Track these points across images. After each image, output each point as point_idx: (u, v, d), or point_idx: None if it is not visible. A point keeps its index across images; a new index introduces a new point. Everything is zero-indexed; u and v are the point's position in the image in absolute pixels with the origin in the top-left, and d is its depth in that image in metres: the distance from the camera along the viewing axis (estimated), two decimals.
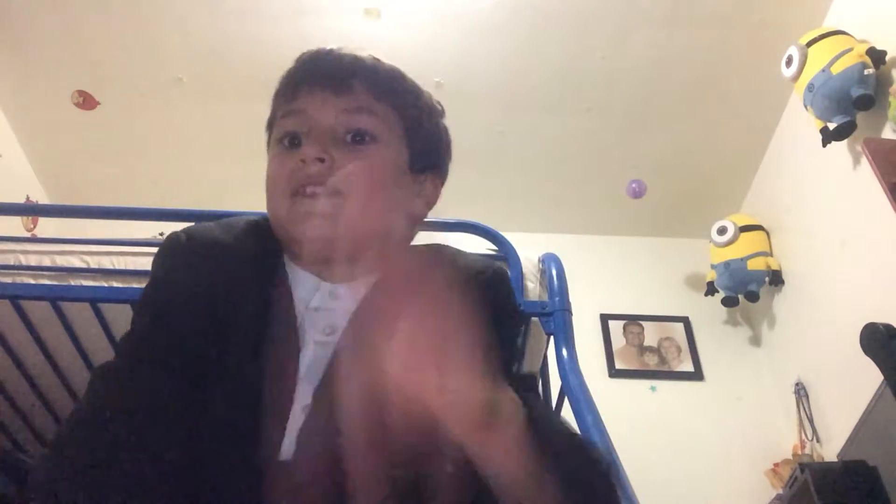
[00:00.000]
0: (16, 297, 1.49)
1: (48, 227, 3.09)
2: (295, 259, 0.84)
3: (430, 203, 0.91)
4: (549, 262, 1.54)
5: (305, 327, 0.78)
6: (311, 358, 0.77)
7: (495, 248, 1.57)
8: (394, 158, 0.85)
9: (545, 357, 1.51)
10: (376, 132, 0.84)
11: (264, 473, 0.70)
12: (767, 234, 3.12)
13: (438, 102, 0.94)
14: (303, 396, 0.74)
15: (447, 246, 0.95)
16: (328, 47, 0.87)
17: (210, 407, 0.72)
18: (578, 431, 0.78)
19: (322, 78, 0.84)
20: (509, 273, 1.46)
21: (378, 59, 0.88)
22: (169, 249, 0.84)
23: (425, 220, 0.97)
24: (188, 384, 0.73)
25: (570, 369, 1.31)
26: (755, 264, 2.99)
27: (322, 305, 0.81)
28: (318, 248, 0.80)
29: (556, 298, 1.45)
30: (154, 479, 0.67)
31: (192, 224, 0.87)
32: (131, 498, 0.65)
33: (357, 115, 0.83)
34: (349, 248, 0.80)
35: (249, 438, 0.72)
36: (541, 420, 0.68)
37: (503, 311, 0.87)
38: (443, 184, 0.94)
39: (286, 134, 0.84)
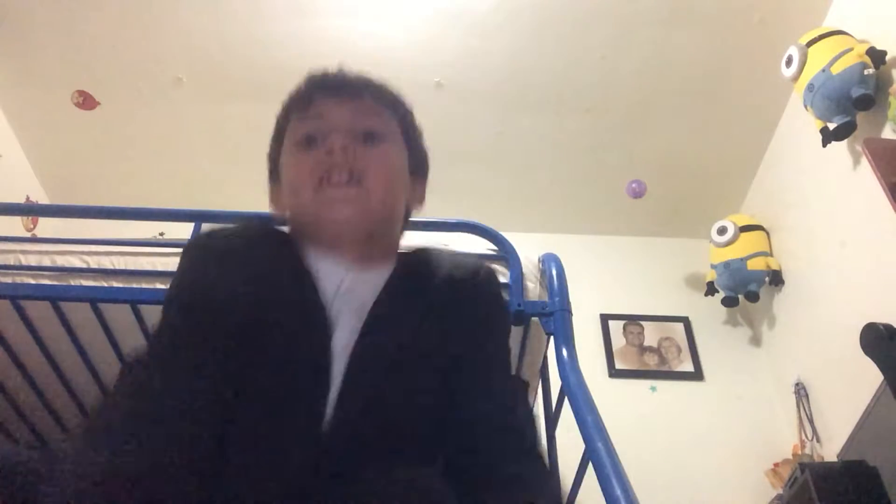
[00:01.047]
0: (16, 297, 1.49)
1: (48, 227, 3.09)
2: (315, 249, 0.90)
3: (420, 206, 1.04)
4: (549, 262, 1.54)
5: (335, 311, 0.84)
6: (344, 340, 0.82)
7: (495, 248, 1.57)
8: (401, 157, 0.98)
9: (545, 357, 1.51)
10: (385, 133, 0.95)
11: (305, 460, 0.73)
12: (767, 234, 3.12)
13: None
14: (336, 377, 0.79)
15: (440, 248, 1.05)
16: (334, 68, 0.99)
17: (245, 396, 0.75)
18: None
19: (335, 87, 0.96)
20: (509, 273, 1.48)
21: (380, 80, 1.01)
22: (198, 248, 0.92)
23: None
24: (219, 379, 0.75)
25: (570, 369, 1.31)
26: (755, 264, 2.99)
27: (354, 288, 0.88)
28: (343, 229, 0.90)
29: (556, 298, 1.45)
30: (184, 469, 0.69)
31: (215, 226, 0.95)
32: (160, 487, 0.67)
33: (369, 117, 0.95)
34: (368, 230, 0.91)
35: (289, 425, 0.75)
36: None
37: (496, 307, 1.00)
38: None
39: (304, 136, 0.93)
